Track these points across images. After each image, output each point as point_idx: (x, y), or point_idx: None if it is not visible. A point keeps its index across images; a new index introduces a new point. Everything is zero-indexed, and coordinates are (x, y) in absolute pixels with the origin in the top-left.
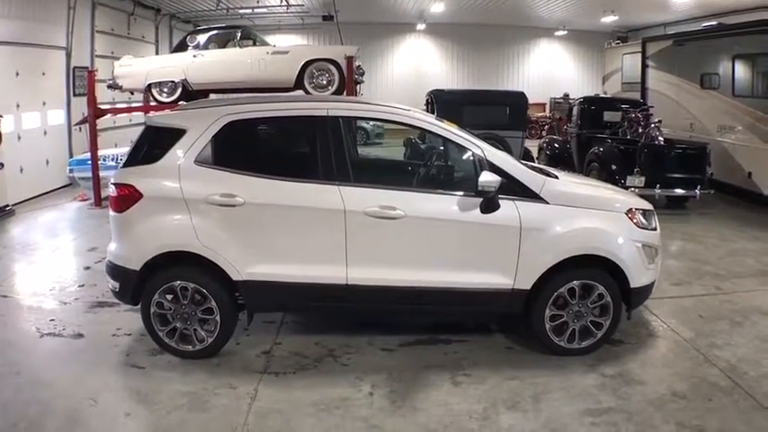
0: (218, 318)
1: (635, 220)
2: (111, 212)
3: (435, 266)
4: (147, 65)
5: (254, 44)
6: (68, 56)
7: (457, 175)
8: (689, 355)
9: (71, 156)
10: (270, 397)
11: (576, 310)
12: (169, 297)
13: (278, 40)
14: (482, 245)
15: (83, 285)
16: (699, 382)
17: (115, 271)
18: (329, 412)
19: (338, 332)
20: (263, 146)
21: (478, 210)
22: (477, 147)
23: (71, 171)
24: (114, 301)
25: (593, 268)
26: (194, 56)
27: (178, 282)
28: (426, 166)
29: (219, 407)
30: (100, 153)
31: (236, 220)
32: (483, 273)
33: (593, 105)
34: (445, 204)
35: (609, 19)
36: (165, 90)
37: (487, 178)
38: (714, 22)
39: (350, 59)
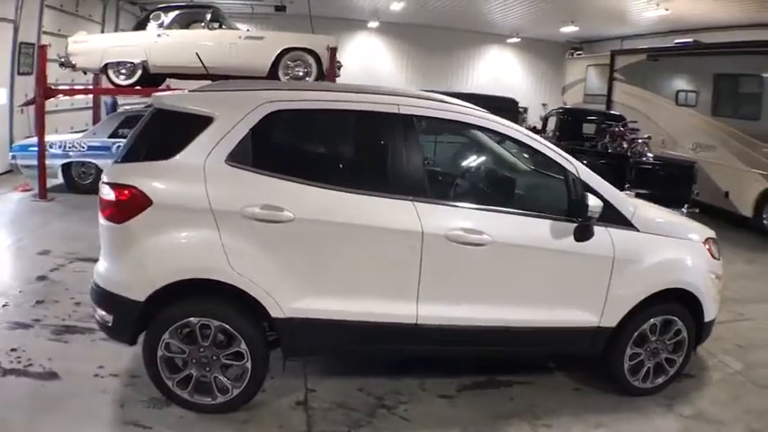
0: (248, 364)
1: (710, 250)
2: (104, 221)
3: (519, 302)
4: (104, 42)
5: (221, 27)
6: (16, 30)
7: (547, 196)
8: (748, 389)
9: (11, 141)
10: None
11: (653, 348)
12: (183, 337)
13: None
14: (571, 277)
15: (41, 302)
16: None
17: (107, 300)
18: None
19: (380, 373)
20: (316, 145)
21: (572, 237)
22: (570, 164)
23: (13, 158)
24: (86, 325)
25: (673, 302)
26: (158, 35)
27: (197, 318)
28: (512, 182)
29: None
30: (47, 139)
31: (282, 240)
32: (569, 309)
33: (572, 117)
34: (536, 229)
35: (569, 29)
36: (123, 71)
37: (595, 203)
38: (690, 40)
39: (333, 51)
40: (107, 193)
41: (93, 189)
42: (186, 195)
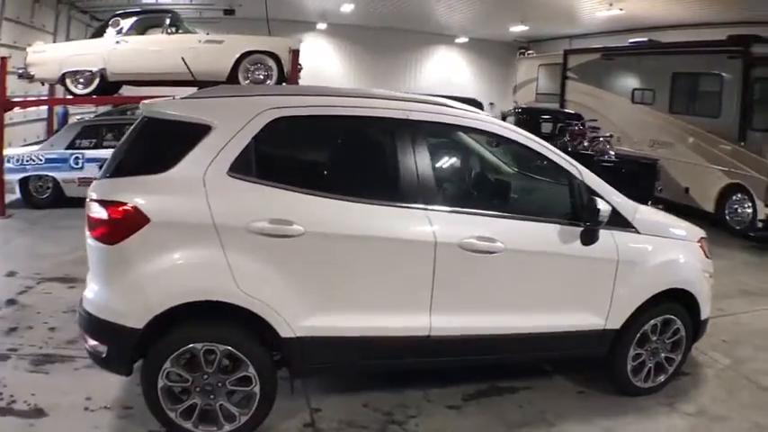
0: (256, 388)
1: (703, 249)
2: (94, 242)
3: (530, 309)
4: (62, 51)
5: (177, 31)
6: None
7: (554, 201)
8: (742, 384)
9: None
10: None
11: (653, 348)
12: (185, 364)
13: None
14: (579, 281)
15: (14, 329)
16: None
17: (100, 329)
18: None
19: (382, 387)
20: (324, 153)
21: (578, 241)
22: (576, 169)
23: None
24: (65, 353)
25: (672, 302)
26: (117, 42)
27: (201, 344)
28: (519, 188)
29: None
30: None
31: (291, 255)
32: (577, 313)
33: (530, 116)
34: (545, 235)
35: (518, 29)
36: (82, 81)
37: (605, 207)
38: (645, 39)
39: (295, 54)
40: (97, 212)
41: (52, 203)
42: (186, 211)
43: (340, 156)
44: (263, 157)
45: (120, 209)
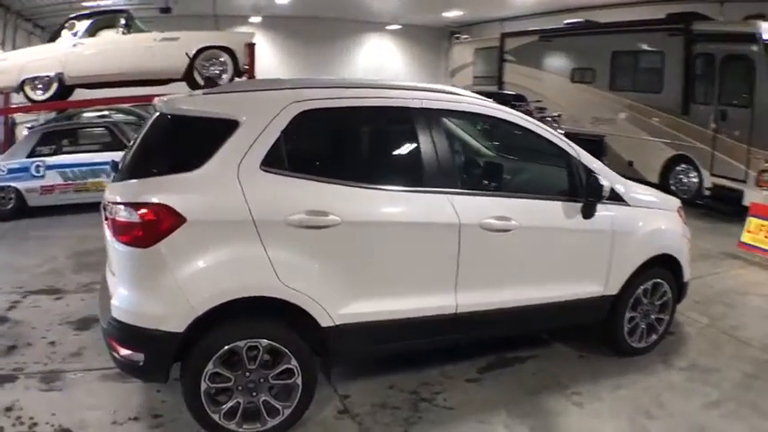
0: (299, 380)
1: (681, 217)
2: (123, 247)
3: (542, 281)
4: (22, 57)
5: (130, 30)
6: None
7: (557, 179)
8: (724, 339)
9: None
10: None
11: (645, 310)
12: (227, 363)
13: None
14: (582, 252)
15: (14, 347)
16: (756, 361)
17: (135, 337)
18: None
19: (400, 368)
20: (349, 144)
21: (580, 215)
22: (574, 150)
23: None
24: (73, 367)
25: (659, 267)
26: (74, 45)
27: (245, 341)
28: (525, 168)
29: None
30: None
31: (328, 245)
32: (581, 282)
33: None
34: (551, 212)
35: (452, 14)
36: (40, 86)
37: (606, 183)
38: (580, 19)
39: (251, 47)
40: (127, 215)
41: (15, 214)
42: (224, 208)
43: (365, 145)
44: (293, 149)
45: (154, 210)
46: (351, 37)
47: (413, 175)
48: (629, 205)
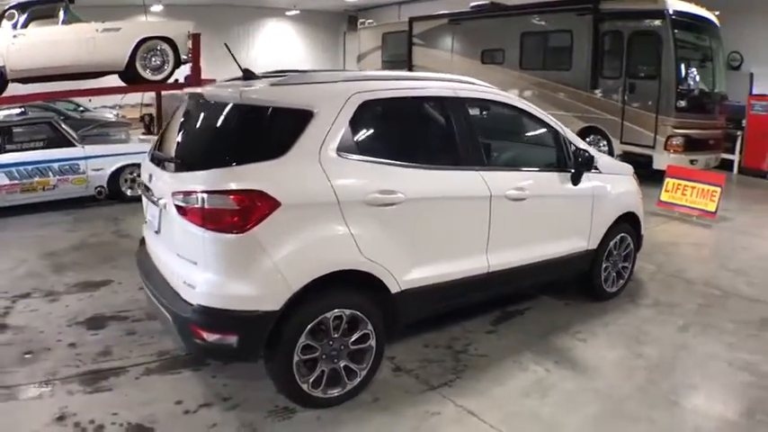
0: (373, 343)
1: (636, 180)
2: (215, 235)
3: (548, 239)
4: None
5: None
6: None
7: (551, 154)
8: (674, 281)
9: None
10: (481, 404)
11: (614, 260)
12: (315, 334)
13: None
14: (572, 214)
15: (29, 353)
16: (704, 294)
17: (228, 320)
18: (541, 398)
19: (426, 329)
20: (400, 130)
21: (570, 183)
22: (562, 129)
23: None
24: (109, 365)
25: (624, 223)
26: (14, 36)
27: (332, 312)
28: (525, 146)
29: None
30: None
31: (394, 220)
32: (572, 240)
33: None
34: (550, 181)
35: None
36: None
37: (594, 155)
38: (486, 2)
39: (196, 37)
40: (221, 203)
41: None
42: (313, 192)
43: (414, 130)
44: (359, 136)
45: (251, 196)
46: (250, 23)
47: (453, 155)
48: (601, 173)
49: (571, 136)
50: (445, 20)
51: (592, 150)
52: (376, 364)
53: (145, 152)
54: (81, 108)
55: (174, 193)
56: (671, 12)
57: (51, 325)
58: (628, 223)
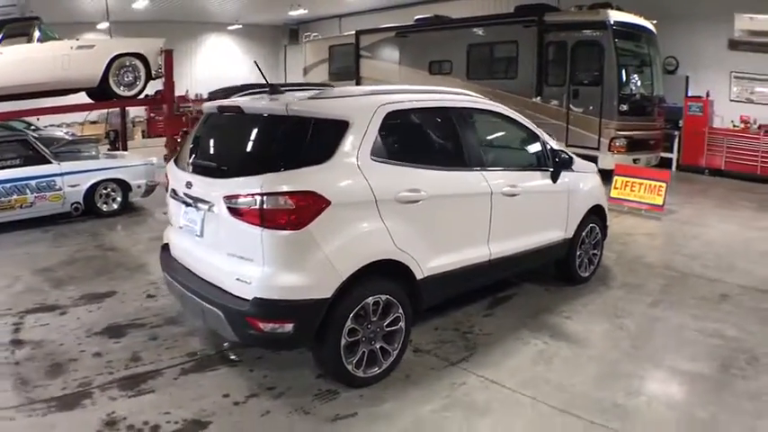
0: (403, 324)
1: (599, 177)
2: (275, 232)
3: (535, 230)
4: None
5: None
6: None
7: (534, 155)
8: (634, 266)
9: None
10: (498, 374)
11: (586, 248)
12: (358, 318)
13: None
14: (552, 208)
15: (57, 365)
16: (664, 276)
17: (285, 310)
18: (547, 365)
19: (430, 315)
20: (418, 136)
21: (550, 180)
22: (542, 135)
23: None
24: (145, 369)
25: (592, 215)
26: None
27: (373, 297)
28: (514, 149)
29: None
30: None
31: (418, 215)
32: (552, 230)
33: None
34: (535, 180)
35: (297, 12)
36: None
37: (573, 156)
38: (430, 15)
39: (168, 53)
40: (281, 204)
41: None
42: (355, 191)
43: (431, 137)
44: (386, 142)
45: (307, 197)
46: (194, 38)
47: (461, 157)
48: (574, 171)
49: (548, 139)
50: (392, 32)
51: (569, 152)
52: (405, 345)
53: (118, 167)
54: (33, 127)
55: (227, 197)
56: (612, 22)
57: (69, 337)
58: (596, 215)
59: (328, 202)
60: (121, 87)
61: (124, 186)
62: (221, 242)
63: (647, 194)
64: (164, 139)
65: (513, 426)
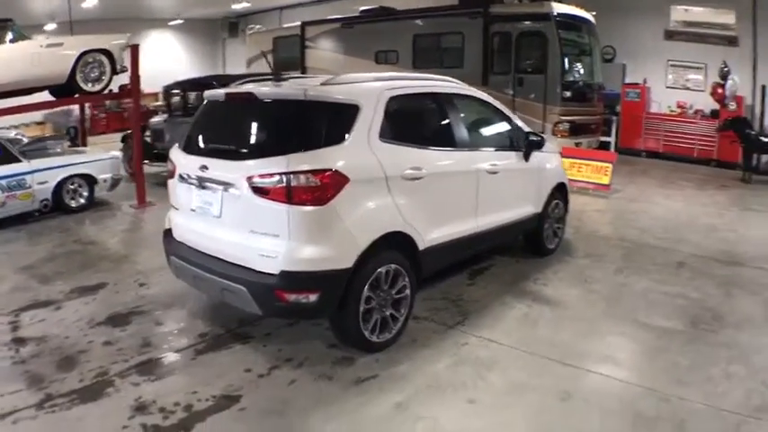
0: (408, 292)
1: (562, 156)
2: (303, 208)
3: (512, 205)
4: None
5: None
6: None
7: (509, 137)
8: (593, 239)
9: None
10: (494, 334)
11: (550, 221)
12: (372, 287)
13: None
14: (525, 184)
15: (67, 358)
16: (621, 247)
17: (309, 281)
18: (534, 325)
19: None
20: (416, 119)
21: (523, 160)
22: (515, 118)
23: None
24: (161, 354)
25: (556, 191)
26: None
27: (384, 267)
28: (493, 130)
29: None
30: None
31: (419, 191)
32: (525, 205)
33: None
34: (511, 159)
35: (240, 6)
36: None
37: (543, 138)
38: (375, 6)
39: (135, 48)
40: (307, 181)
41: None
42: (369, 169)
43: (426, 119)
44: (390, 125)
45: (331, 175)
46: (137, 35)
47: (453, 138)
48: (542, 150)
49: (520, 122)
50: (338, 24)
51: (539, 134)
52: (410, 311)
53: (85, 162)
54: None
55: (250, 177)
56: (555, 14)
57: (72, 329)
58: (559, 191)
59: (348, 179)
60: (88, 83)
61: (90, 181)
62: (242, 221)
63: (594, 174)
64: (107, 136)
65: (520, 375)
